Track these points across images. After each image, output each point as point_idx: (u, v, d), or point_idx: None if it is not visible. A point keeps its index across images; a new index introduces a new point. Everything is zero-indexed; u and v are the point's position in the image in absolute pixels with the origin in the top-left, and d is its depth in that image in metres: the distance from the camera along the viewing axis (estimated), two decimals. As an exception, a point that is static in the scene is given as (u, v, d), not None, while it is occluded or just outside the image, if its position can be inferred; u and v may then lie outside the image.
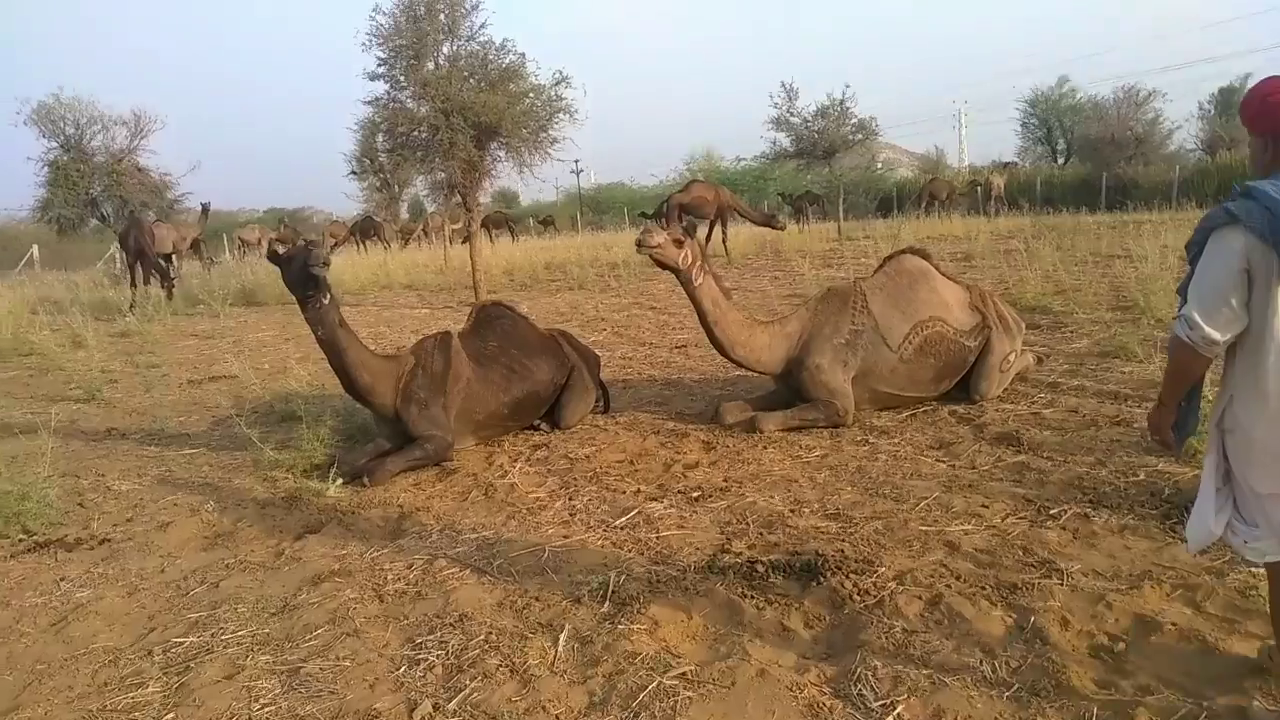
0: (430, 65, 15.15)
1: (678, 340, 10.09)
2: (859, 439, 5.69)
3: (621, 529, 4.34)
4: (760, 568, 3.70)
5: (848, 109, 25.63)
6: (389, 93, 15.30)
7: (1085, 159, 39.44)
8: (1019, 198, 30.32)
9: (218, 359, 11.07)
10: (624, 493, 4.90)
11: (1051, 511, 4.17)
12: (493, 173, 16.12)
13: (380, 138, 15.42)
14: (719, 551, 3.96)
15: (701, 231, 23.60)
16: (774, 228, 22.35)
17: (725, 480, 5.01)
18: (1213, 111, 40.71)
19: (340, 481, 5.28)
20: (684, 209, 21.05)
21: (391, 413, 5.64)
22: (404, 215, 40.84)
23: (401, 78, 15.13)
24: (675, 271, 5.79)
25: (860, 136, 26.56)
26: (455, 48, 15.38)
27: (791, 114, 25.68)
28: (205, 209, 26.52)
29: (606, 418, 6.72)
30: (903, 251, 6.60)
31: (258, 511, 5.02)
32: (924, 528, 4.09)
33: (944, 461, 5.12)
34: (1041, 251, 13.75)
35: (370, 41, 14.83)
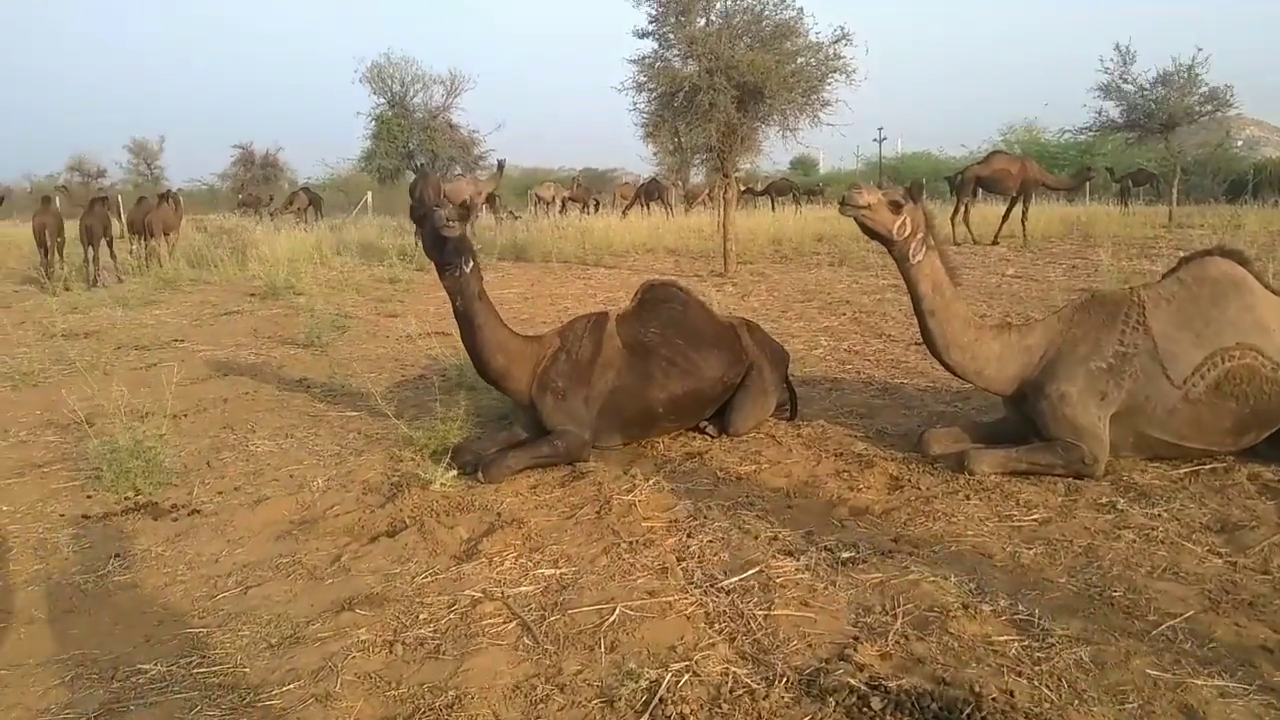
0: (701, 21, 14.37)
1: (919, 336, 8.62)
2: (1103, 501, 4.20)
3: (726, 593, 3.34)
4: (877, 701, 2.57)
5: (1197, 75, 21.75)
6: (657, 51, 14.74)
7: None
8: None
9: (448, 313, 11.12)
10: (758, 537, 3.87)
11: (1386, 681, 2.63)
12: (754, 137, 15.13)
13: (643, 97, 14.89)
14: (835, 658, 2.85)
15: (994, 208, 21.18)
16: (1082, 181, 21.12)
17: (895, 539, 3.82)
18: None
19: (453, 473, 4.70)
20: (981, 182, 18.92)
21: (527, 400, 4.97)
22: (696, 180, 40.82)
23: (671, 35, 14.49)
24: (888, 243, 4.60)
25: (1210, 108, 22.60)
26: (729, 3, 14.48)
27: (1125, 80, 22.26)
28: (501, 165, 27.73)
29: (789, 426, 5.64)
30: (1208, 251, 4.85)
31: (359, 498, 4.55)
32: (1156, 671, 2.72)
33: (1220, 555, 3.57)
34: None
35: (640, -2, 14.32)
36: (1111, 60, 22.10)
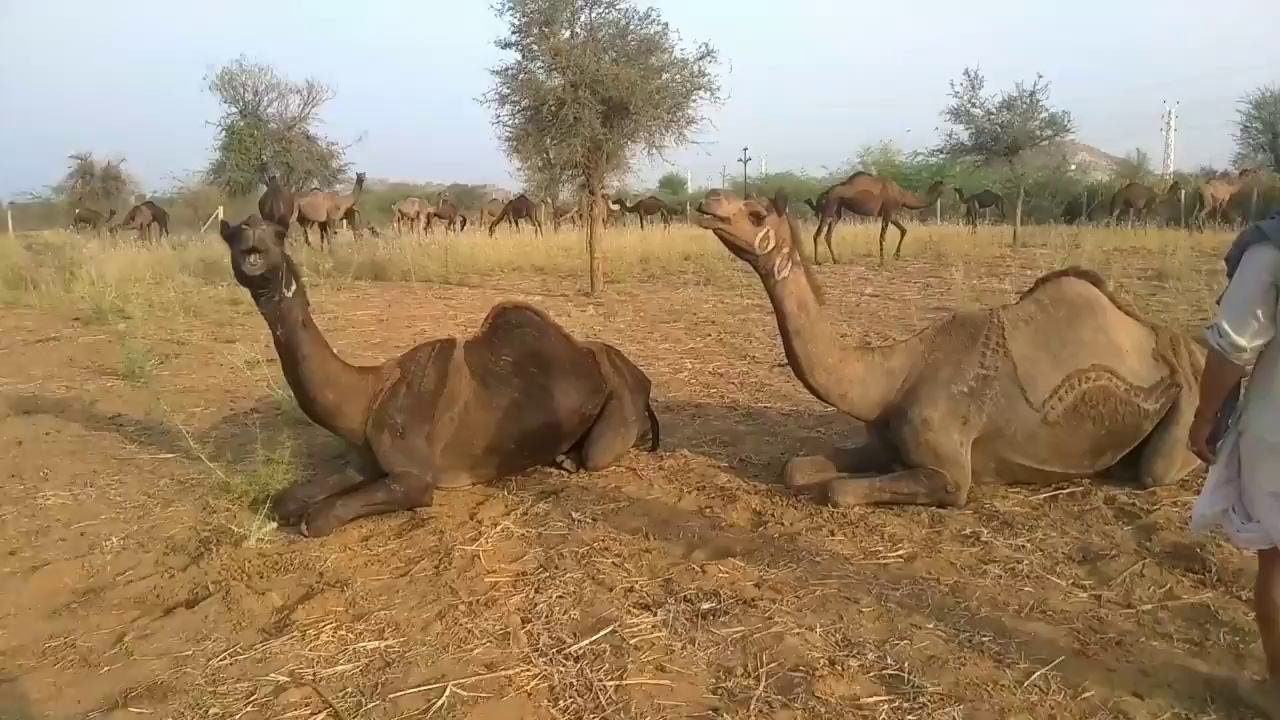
0: (565, 34, 14.09)
1: (783, 358, 8.53)
2: (967, 532, 4.08)
3: (575, 660, 2.98)
4: (736, 788, 2.27)
5: (1038, 101, 22.96)
6: (520, 63, 14.35)
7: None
8: (1230, 212, 26.42)
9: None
10: (613, 588, 3.53)
11: (1258, 727, 2.52)
12: (621, 154, 14.93)
13: (505, 110, 14.46)
14: (689, 735, 2.54)
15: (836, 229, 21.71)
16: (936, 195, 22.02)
17: (759, 584, 3.56)
18: None
19: (273, 526, 4.18)
20: (845, 202, 19.29)
21: (361, 439, 4.50)
22: (565, 196, 40.34)
23: (535, 46, 14.13)
24: (750, 258, 4.32)
25: (1050, 133, 23.85)
26: (594, 15, 14.25)
27: (973, 104, 23.28)
28: (360, 179, 26.65)
29: (651, 457, 5.35)
30: (1064, 273, 4.85)
31: (159, 559, 3.96)
32: (1033, 730, 2.53)
33: (1085, 587, 3.47)
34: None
35: (504, 5, 13.92)
36: (960, 84, 23.09)
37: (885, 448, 4.75)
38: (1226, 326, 2.41)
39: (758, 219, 4.22)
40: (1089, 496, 4.49)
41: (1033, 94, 22.80)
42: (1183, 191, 28.45)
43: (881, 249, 18.96)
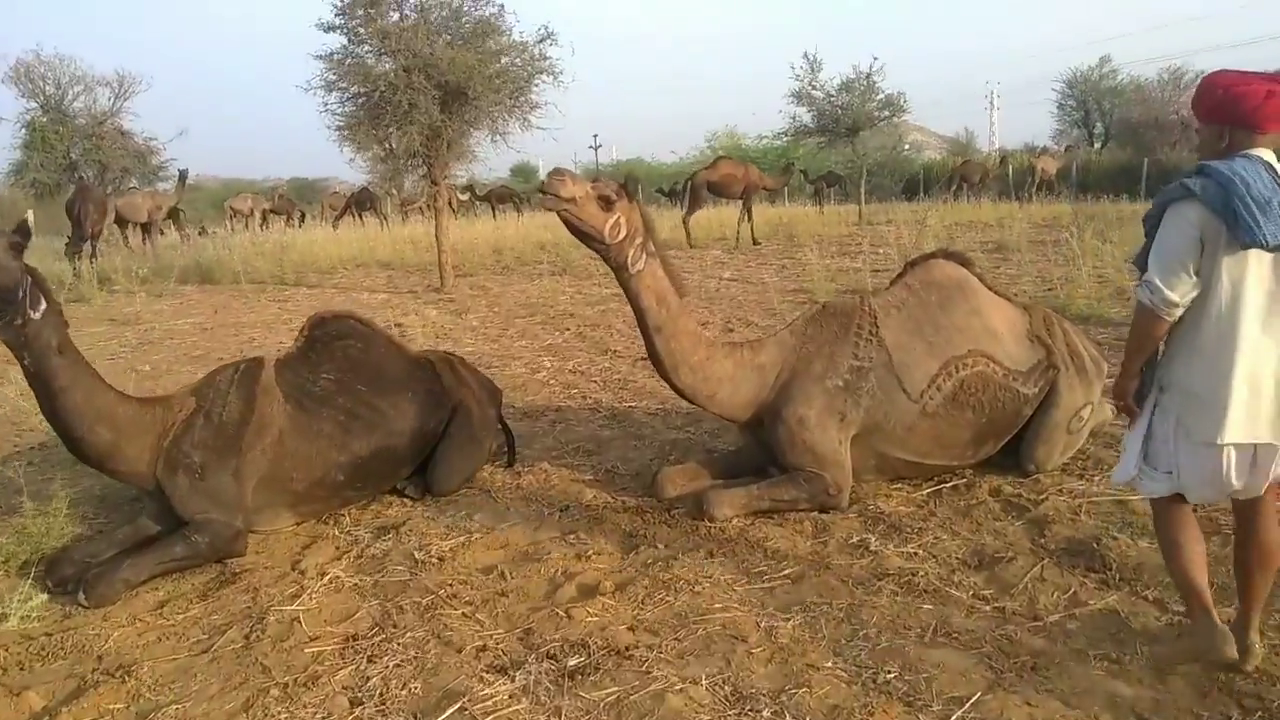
0: (395, 15, 13.18)
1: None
2: (855, 540, 3.74)
3: (414, 754, 2.44)
4: None
5: (874, 83, 23.49)
6: (346, 47, 13.34)
7: (1125, 144, 36.96)
8: (1056, 184, 28.02)
9: (100, 357, 9.23)
10: (462, 649, 2.98)
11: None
12: (464, 141, 14.17)
13: (333, 98, 13.43)
14: None
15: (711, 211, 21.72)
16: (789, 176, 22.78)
17: (633, 627, 3.09)
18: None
19: (44, 597, 3.41)
20: (711, 186, 19.06)
21: (151, 484, 3.75)
22: (411, 187, 38.69)
23: (361, 29, 13.16)
24: (601, 247, 3.84)
25: (887, 114, 24.51)
26: (425, -4, 13.40)
27: (814, 87, 23.61)
28: (183, 176, 24.64)
29: (507, 475, 4.81)
30: (932, 255, 4.58)
31: (-122, 656, 3.15)
32: (959, 795, 2.16)
33: (986, 599, 3.18)
34: (1088, 244, 11.59)
35: (324, -18, 12.88)
36: (800, 68, 23.36)
37: (760, 449, 4.38)
38: (1159, 283, 2.42)
39: (607, 204, 3.74)
40: (973, 489, 4.25)
41: (869, 76, 23.31)
42: (1010, 167, 29.86)
43: (751, 231, 18.94)
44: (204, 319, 12.10)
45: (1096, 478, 4.28)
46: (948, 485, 4.32)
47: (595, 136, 58.53)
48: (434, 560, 3.73)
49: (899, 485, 4.36)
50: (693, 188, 18.94)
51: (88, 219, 15.69)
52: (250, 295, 14.40)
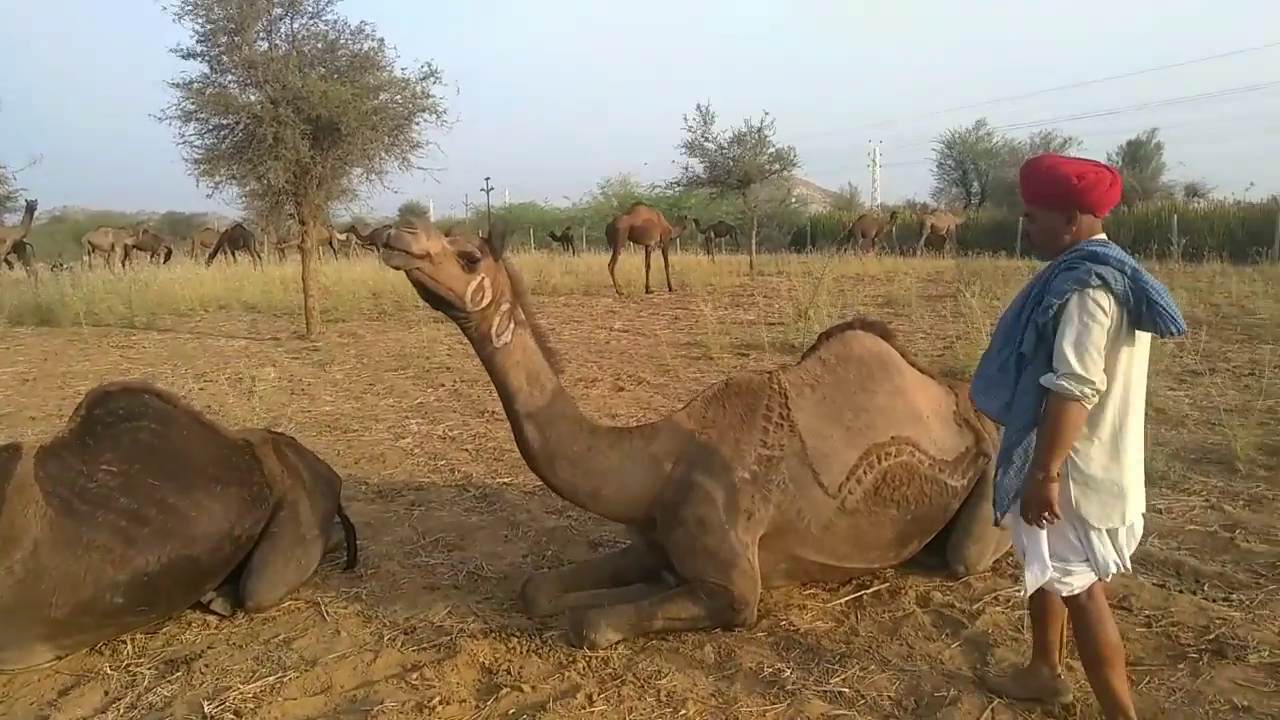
0: (263, 45, 12.22)
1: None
2: (767, 673, 3.07)
3: None
4: None
5: (765, 137, 23.61)
6: (209, 76, 12.26)
7: (1000, 203, 38.59)
8: (947, 239, 28.77)
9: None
10: None
11: None
12: (337, 179, 13.19)
13: (192, 128, 12.29)
14: None
15: (625, 260, 21.20)
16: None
17: (482, 825, 2.32)
18: (1120, 163, 40.24)
19: None
20: (633, 233, 18.52)
21: None
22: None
23: (225, 57, 12.12)
24: (458, 316, 3.16)
25: (778, 167, 24.69)
26: (296, 26, 12.49)
27: (706, 139, 23.59)
28: (30, 207, 22.62)
29: (343, 580, 3.96)
30: (848, 325, 4.00)
31: None
32: None
33: (934, 765, 2.55)
34: (974, 301, 11.45)
35: (182, 8, 11.82)
36: (694, 119, 23.28)
37: (652, 551, 3.69)
38: (1084, 373, 2.37)
39: (470, 263, 3.03)
40: (898, 597, 3.66)
41: (760, 130, 23.42)
42: (894, 223, 30.53)
43: (661, 276, 18.62)
44: (30, 366, 10.72)
45: (1031, 581, 3.75)
46: (868, 590, 3.71)
47: (487, 180, 57.64)
48: (229, 715, 2.87)
49: (811, 590, 3.73)
50: (615, 233, 18.42)
51: None
52: (91, 340, 12.96)
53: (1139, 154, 38.73)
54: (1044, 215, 2.55)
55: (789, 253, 32.35)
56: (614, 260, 18.19)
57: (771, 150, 23.90)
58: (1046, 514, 2.44)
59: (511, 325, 3.22)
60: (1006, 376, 2.57)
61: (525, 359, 3.27)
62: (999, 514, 2.68)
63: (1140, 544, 2.69)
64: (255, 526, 3.63)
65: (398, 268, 2.99)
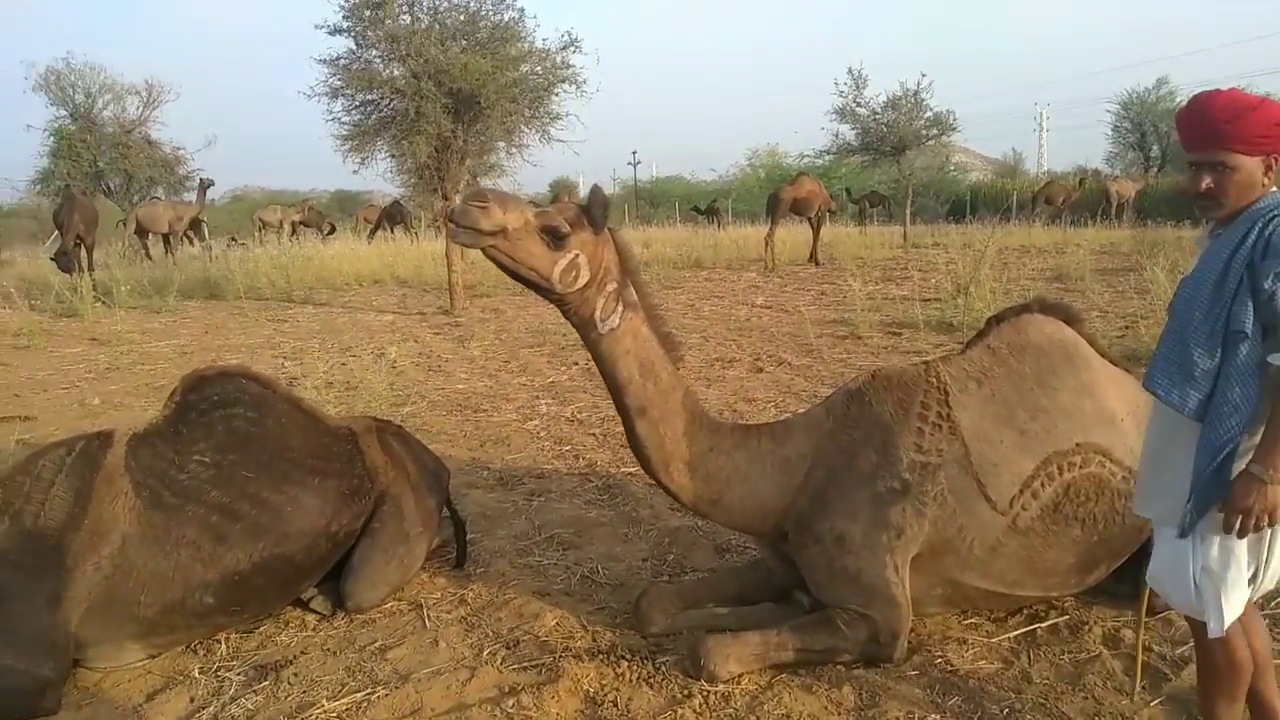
0: (406, 18, 12.25)
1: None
2: (921, 729, 2.58)
3: None
4: None
5: (922, 100, 22.27)
6: (354, 51, 12.44)
7: (1184, 168, 35.23)
8: (1127, 207, 26.49)
9: (58, 384, 8.32)
10: None
11: None
12: (479, 154, 13.18)
13: (338, 105, 12.52)
14: None
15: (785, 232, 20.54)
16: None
17: None
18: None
19: None
20: (795, 204, 17.99)
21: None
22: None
23: (369, 32, 12.24)
24: (552, 297, 2.80)
25: (935, 132, 23.30)
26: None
27: (858, 104, 22.48)
28: (204, 186, 24.11)
29: (451, 581, 3.69)
30: (1025, 307, 3.36)
31: None
32: None
33: None
34: (1159, 276, 10.22)
35: (328, -16, 12.00)
36: (845, 84, 22.20)
37: (785, 568, 3.23)
38: None
39: (556, 238, 2.64)
40: (1080, 635, 3.06)
41: (916, 93, 22.13)
42: (1081, 190, 28.29)
43: (815, 250, 18.03)
44: (191, 339, 11.21)
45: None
46: (1043, 624, 3.13)
47: (634, 153, 57.72)
48: (310, 733, 2.62)
49: (973, 620, 3.19)
50: (777, 204, 17.87)
51: (70, 229, 14.91)
52: (250, 314, 13.50)
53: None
54: (1245, 163, 2.11)
55: (947, 224, 30.62)
56: (771, 232, 17.59)
57: (929, 114, 22.60)
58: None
59: (619, 308, 2.81)
60: (1208, 360, 2.08)
61: (637, 346, 2.87)
62: (1184, 526, 2.12)
63: None
64: (355, 522, 3.39)
65: (466, 245, 2.64)
